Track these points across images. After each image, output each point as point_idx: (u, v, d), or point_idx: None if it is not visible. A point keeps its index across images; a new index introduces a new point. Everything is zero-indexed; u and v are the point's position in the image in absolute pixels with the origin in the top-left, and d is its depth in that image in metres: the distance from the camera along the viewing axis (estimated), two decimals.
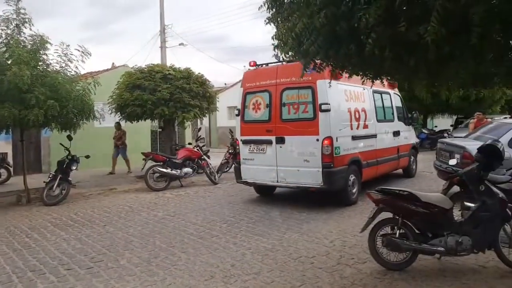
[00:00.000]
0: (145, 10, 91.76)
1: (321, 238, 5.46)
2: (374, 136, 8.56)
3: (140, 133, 16.00)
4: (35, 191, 9.36)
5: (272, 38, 4.06)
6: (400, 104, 10.25)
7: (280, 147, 7.55)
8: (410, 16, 2.48)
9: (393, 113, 9.76)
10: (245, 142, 8.13)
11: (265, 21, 4.17)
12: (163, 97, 11.42)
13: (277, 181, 7.70)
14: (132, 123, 12.68)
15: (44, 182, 9.00)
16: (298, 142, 7.37)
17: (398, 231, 4.19)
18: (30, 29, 8.78)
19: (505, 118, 13.10)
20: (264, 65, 8.19)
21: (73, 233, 6.26)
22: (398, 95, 10.23)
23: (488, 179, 3.93)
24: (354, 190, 7.57)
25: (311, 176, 7.21)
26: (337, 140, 7.16)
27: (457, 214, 4.38)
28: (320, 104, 7.08)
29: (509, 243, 3.88)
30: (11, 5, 8.43)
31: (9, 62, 8.26)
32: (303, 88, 7.30)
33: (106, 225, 6.70)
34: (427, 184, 9.20)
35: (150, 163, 10.29)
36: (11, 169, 11.61)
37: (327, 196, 7.45)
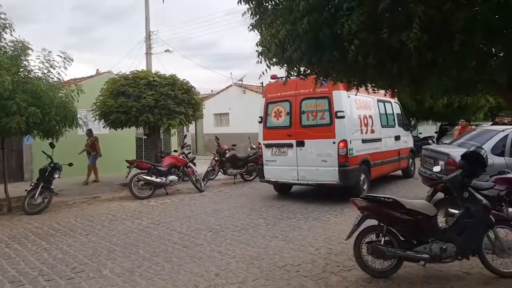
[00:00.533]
0: (131, 16, 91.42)
1: (306, 246, 5.41)
2: (380, 140, 9.62)
3: (125, 141, 15.78)
4: (16, 200, 9.08)
5: (256, 44, 4.03)
6: (399, 112, 11.22)
7: (300, 149, 8.54)
8: (392, 22, 2.48)
9: (394, 120, 10.74)
10: (267, 145, 9.16)
11: (248, 27, 4.14)
12: (148, 104, 11.26)
13: (298, 179, 8.67)
14: (116, 130, 12.48)
15: (26, 190, 8.75)
16: (317, 145, 8.34)
17: (383, 238, 4.16)
18: (11, 35, 8.61)
19: (492, 124, 13.17)
20: (282, 78, 8.90)
21: (54, 242, 6.07)
22: (398, 103, 11.20)
23: (472, 185, 3.94)
24: (364, 187, 8.58)
25: (328, 174, 8.18)
26: (350, 143, 8.16)
27: (441, 220, 4.38)
28: (336, 112, 8.09)
29: (492, 249, 3.89)
30: None
31: None
32: (320, 98, 8.27)
33: (88, 234, 6.52)
34: (413, 191, 9.25)
35: (134, 171, 10.12)
36: None
37: (317, 201, 7.43)
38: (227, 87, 25.93)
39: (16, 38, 8.74)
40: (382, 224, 4.21)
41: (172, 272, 4.69)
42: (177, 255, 5.28)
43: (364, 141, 8.78)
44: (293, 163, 8.62)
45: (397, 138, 10.63)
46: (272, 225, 6.63)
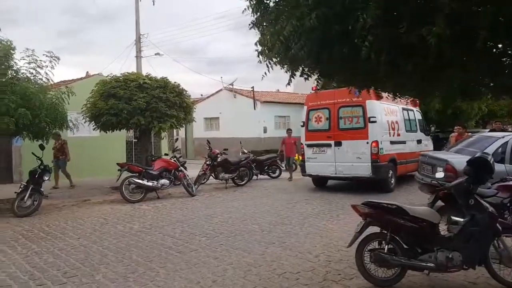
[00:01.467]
0: (121, 18, 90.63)
1: (304, 253, 5.21)
2: (404, 142, 11.03)
3: (115, 144, 15.42)
4: (5, 202, 8.73)
5: (256, 44, 3.83)
6: (421, 118, 12.54)
7: (338, 148, 10.10)
8: (412, 16, 2.31)
9: (416, 125, 12.08)
10: (309, 145, 10.76)
11: (249, 25, 3.95)
12: (139, 107, 10.96)
13: (335, 174, 10.22)
14: (106, 132, 12.14)
15: (15, 192, 8.37)
16: (352, 145, 9.88)
17: (386, 246, 3.99)
18: None
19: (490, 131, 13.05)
20: (320, 90, 10.39)
21: (45, 246, 5.75)
22: (419, 111, 12.60)
23: (477, 192, 3.80)
24: (392, 181, 10.07)
25: (363, 169, 9.69)
26: (381, 143, 9.69)
27: (443, 228, 4.23)
28: (369, 117, 9.66)
29: (499, 258, 3.74)
30: None
31: None
32: (355, 106, 9.87)
33: (80, 238, 6.21)
34: (408, 198, 9.11)
35: (125, 174, 9.81)
36: None
37: (312, 207, 7.21)
38: (217, 91, 25.73)
39: (1, 37, 8.48)
40: (385, 232, 4.04)
41: (168, 278, 4.45)
42: (171, 261, 5.03)
43: (391, 142, 10.20)
44: (332, 160, 10.15)
45: (419, 141, 11.94)
46: (268, 231, 6.42)
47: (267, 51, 3.67)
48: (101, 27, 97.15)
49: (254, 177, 12.93)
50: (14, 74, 8.70)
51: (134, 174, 9.73)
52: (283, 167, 14.16)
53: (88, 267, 4.84)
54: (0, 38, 8.60)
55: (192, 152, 25.84)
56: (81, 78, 16.62)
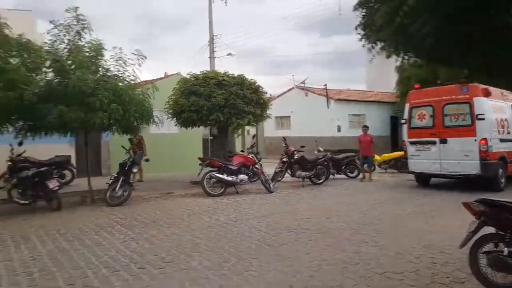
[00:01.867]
0: (188, 26, 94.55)
1: (404, 254, 4.94)
2: None
3: (192, 141, 16.12)
4: (97, 192, 9.51)
5: (356, 28, 3.73)
6: None
7: (443, 146, 10.08)
8: None
9: None
10: (412, 143, 10.79)
11: (355, 7, 3.85)
12: (218, 103, 11.34)
13: (440, 171, 10.26)
14: (187, 129, 12.71)
15: (106, 183, 9.09)
16: (459, 142, 9.85)
17: (506, 248, 3.62)
18: (90, 35, 8.92)
19: None
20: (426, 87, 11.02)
21: (139, 233, 6.14)
22: None
23: None
24: (502, 180, 9.89)
25: (471, 166, 9.65)
26: (490, 141, 9.62)
27: None
28: (477, 115, 9.58)
29: None
30: (70, 12, 8.59)
31: (72, 67, 8.47)
32: (461, 103, 9.86)
33: (170, 226, 6.55)
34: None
35: (204, 170, 10.16)
36: (75, 171, 11.91)
37: (402, 206, 6.87)
38: (288, 90, 25.71)
39: (93, 38, 9.10)
40: (504, 233, 3.67)
41: (261, 269, 4.48)
42: (262, 253, 5.08)
43: (501, 140, 10.10)
44: (437, 157, 10.14)
45: None
46: (356, 230, 6.21)
47: (373, 33, 3.54)
48: (172, 33, 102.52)
49: (331, 176, 12.69)
50: (105, 72, 9.40)
51: (214, 169, 10.06)
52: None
53: (183, 254, 5.05)
54: (92, 39, 9.37)
55: (263, 150, 26.08)
56: (160, 78, 17.57)
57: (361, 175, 12.90)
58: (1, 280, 4.19)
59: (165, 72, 20.99)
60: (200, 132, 16.18)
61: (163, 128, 13.04)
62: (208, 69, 20.55)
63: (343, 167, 13.63)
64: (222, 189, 9.88)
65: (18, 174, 8.61)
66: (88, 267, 4.53)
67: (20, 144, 9.20)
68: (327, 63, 77.52)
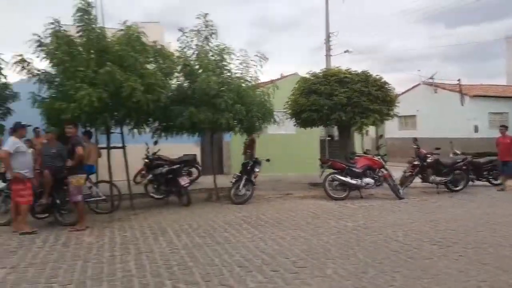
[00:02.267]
0: (295, 27, 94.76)
1: None
2: None
3: (309, 142, 15.91)
4: (221, 190, 9.91)
5: None
6: None
7: None
8: None
9: None
10: None
11: None
12: (340, 102, 10.89)
13: None
14: (305, 129, 12.53)
15: (230, 182, 9.42)
16: None
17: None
18: (216, 40, 9.32)
19: None
20: None
21: (266, 233, 6.12)
22: None
23: None
24: None
25: None
26: None
27: None
28: None
29: None
30: (200, 19, 9.07)
31: (200, 71, 8.93)
32: None
33: (296, 229, 6.39)
34: None
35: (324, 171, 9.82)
36: (200, 169, 12.69)
37: None
38: (413, 87, 23.77)
39: (220, 43, 9.44)
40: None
41: (407, 285, 3.98)
42: (404, 266, 4.54)
43: None
44: None
45: None
46: None
47: None
48: (280, 35, 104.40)
49: (470, 182, 11.18)
50: (229, 74, 9.75)
51: (336, 171, 9.66)
52: None
53: (315, 259, 4.81)
54: (218, 43, 9.80)
55: (385, 152, 24.63)
56: (277, 79, 17.77)
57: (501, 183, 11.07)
58: (144, 271, 4.48)
59: (281, 73, 21.26)
60: (317, 133, 15.90)
61: (280, 128, 13.13)
62: (324, 68, 20.29)
63: (486, 172, 11.91)
64: (346, 193, 9.42)
65: (154, 171, 9.44)
66: (223, 265, 4.59)
67: (155, 143, 10.09)
68: (454, 57, 70.21)
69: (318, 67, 20.33)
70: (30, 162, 6.69)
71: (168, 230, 6.39)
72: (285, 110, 12.33)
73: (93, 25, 7.92)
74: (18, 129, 6.74)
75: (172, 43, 9.63)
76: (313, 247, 5.35)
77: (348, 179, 9.41)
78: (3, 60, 7.92)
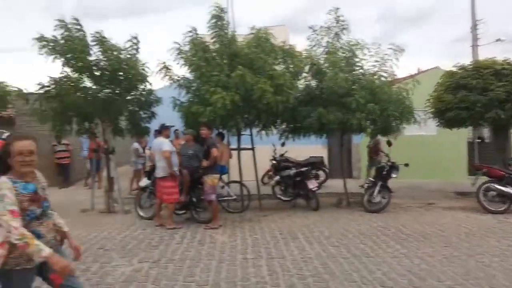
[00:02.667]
0: (426, 19, 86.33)
1: None
2: None
3: (454, 144, 14.16)
4: (351, 195, 9.37)
5: None
6: None
7: None
8: None
9: None
10: None
11: None
12: (498, 98, 9.31)
13: None
14: (451, 129, 11.10)
15: (360, 186, 8.84)
16: None
17: None
18: (347, 36, 8.84)
19: None
20: None
21: (410, 248, 5.44)
22: None
23: None
24: None
25: None
26: None
27: None
28: None
29: None
30: (331, 14, 8.69)
31: (328, 69, 8.55)
32: None
33: (447, 246, 5.54)
34: None
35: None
36: (328, 172, 12.32)
37: None
38: None
39: (351, 38, 8.90)
40: None
41: None
42: None
43: None
44: None
45: None
46: None
47: None
48: (410, 28, 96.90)
49: None
50: (361, 71, 9.15)
51: (492, 179, 8.25)
52: None
53: (476, 286, 4.04)
54: (349, 39, 9.28)
55: None
56: (416, 74, 16.33)
57: None
58: (277, 278, 4.33)
59: (418, 68, 19.55)
60: (464, 134, 14.05)
61: (419, 129, 11.91)
62: (471, 60, 17.90)
63: None
64: (505, 206, 7.96)
65: (281, 173, 9.43)
66: (362, 282, 4.17)
67: (283, 145, 10.08)
68: None
69: (462, 59, 18.08)
70: (177, 162, 7.26)
71: (298, 236, 6.20)
72: (426, 109, 11.13)
73: (225, 30, 8.26)
74: (163, 130, 7.40)
75: (297, 45, 9.51)
76: (472, 270, 4.53)
77: (509, 189, 7.95)
78: (148, 68, 8.78)
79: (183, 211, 7.67)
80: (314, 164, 11.72)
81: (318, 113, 8.11)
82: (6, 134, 8.58)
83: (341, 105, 8.21)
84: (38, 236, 2.29)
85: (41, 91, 8.09)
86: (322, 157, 12.74)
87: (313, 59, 8.89)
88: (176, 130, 10.06)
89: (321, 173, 12.21)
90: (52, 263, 2.17)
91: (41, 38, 7.65)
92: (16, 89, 8.81)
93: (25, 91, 8.48)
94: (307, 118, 8.29)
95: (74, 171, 13.03)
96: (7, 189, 2.22)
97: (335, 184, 10.44)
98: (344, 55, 8.83)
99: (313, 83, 9.09)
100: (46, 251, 2.17)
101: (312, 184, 8.57)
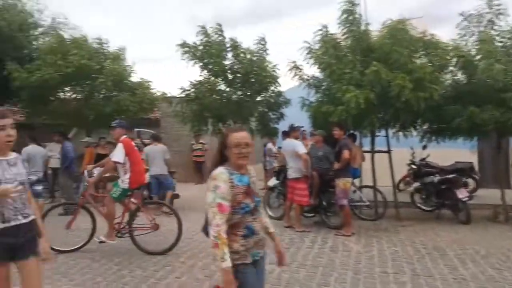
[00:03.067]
0: None
1: None
2: None
3: None
4: (510, 209, 7.98)
5: None
6: None
7: None
8: None
9: None
10: None
11: None
12: None
13: None
14: None
15: None
16: None
17: None
18: (506, 21, 7.70)
19: None
20: None
21: None
22: None
23: None
24: None
25: None
26: None
27: None
28: None
29: None
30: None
31: (480, 61, 7.45)
32: None
33: None
34: None
35: None
36: (478, 179, 10.82)
37: None
38: None
39: (508, 24, 7.75)
40: None
41: None
42: None
43: None
44: None
45: None
46: None
47: None
48: None
49: None
50: None
51: None
52: None
53: None
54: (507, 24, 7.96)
55: None
56: None
57: None
58: None
59: None
60: None
61: None
62: None
63: None
64: None
65: (423, 179, 8.56)
66: None
67: (424, 148, 9.16)
68: None
69: None
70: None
71: (447, 252, 5.45)
72: None
73: (358, 25, 7.87)
74: (292, 132, 7.36)
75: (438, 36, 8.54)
76: None
77: None
78: (279, 69, 8.91)
79: (312, 214, 7.52)
80: (462, 170, 10.43)
81: (470, 112, 7.13)
82: (104, 140, 9.56)
83: (499, 101, 7.12)
84: (253, 232, 2.26)
85: (182, 95, 8.87)
86: (471, 162, 11.31)
87: (461, 50, 7.89)
88: (304, 130, 9.98)
89: (470, 181, 10.82)
90: (223, 278, 2.08)
91: (183, 44, 8.39)
92: (161, 93, 9.86)
93: (169, 95, 9.43)
94: (456, 118, 7.36)
95: (207, 169, 14.03)
96: (222, 181, 2.19)
97: (488, 194, 9.06)
98: (501, 44, 7.67)
99: (462, 78, 8.08)
100: (227, 264, 2.08)
101: (462, 194, 7.54)
